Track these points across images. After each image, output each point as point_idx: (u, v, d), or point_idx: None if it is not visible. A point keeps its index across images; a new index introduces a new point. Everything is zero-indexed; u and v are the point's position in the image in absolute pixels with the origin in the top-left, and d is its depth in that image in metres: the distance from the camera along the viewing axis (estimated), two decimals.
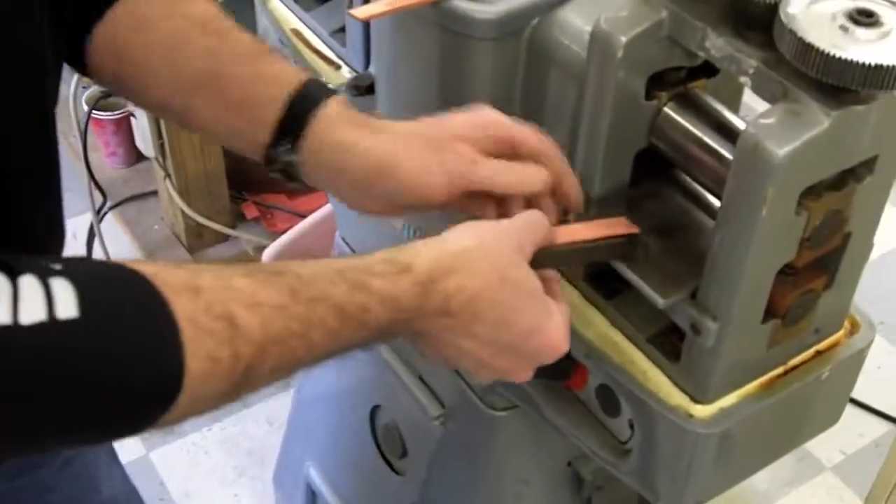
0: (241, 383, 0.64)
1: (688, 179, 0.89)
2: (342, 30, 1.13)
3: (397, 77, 0.99)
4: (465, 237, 0.76)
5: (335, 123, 0.83)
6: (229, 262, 2.16)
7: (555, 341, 0.78)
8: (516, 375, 0.79)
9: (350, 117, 0.83)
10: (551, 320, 0.77)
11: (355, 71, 1.11)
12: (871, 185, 0.78)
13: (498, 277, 0.74)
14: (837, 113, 0.70)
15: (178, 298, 0.61)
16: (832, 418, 0.96)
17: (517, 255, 0.76)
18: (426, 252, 0.74)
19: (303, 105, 0.83)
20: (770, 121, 0.71)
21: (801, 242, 0.77)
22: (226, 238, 2.23)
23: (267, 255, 1.77)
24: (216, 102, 0.85)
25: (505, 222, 0.78)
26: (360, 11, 0.86)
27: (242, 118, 0.84)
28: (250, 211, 2.23)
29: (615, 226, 0.85)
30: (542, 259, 0.79)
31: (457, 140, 0.81)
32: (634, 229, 0.85)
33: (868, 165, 0.77)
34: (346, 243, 1.24)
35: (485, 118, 0.82)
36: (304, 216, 1.84)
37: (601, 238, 0.83)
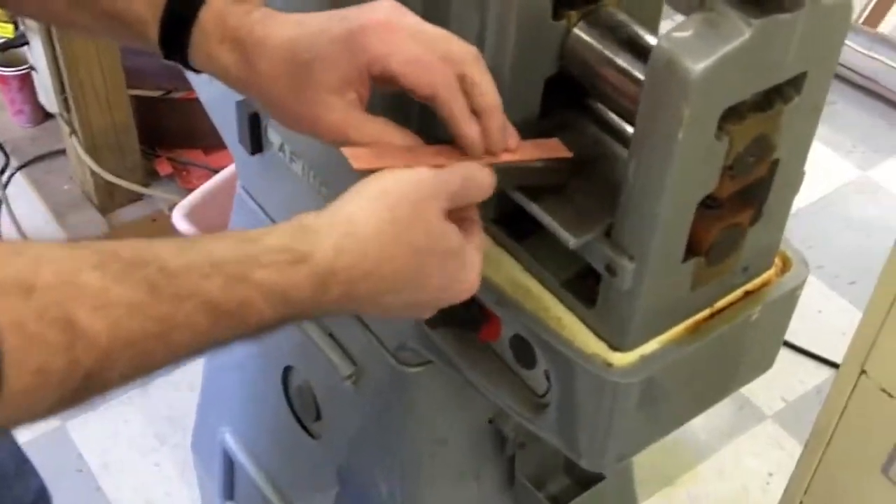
0: (80, 390, 0.55)
1: (603, 108, 0.81)
2: None
3: None
4: (377, 211, 0.68)
5: (210, 42, 0.76)
6: (142, 222, 2.07)
7: (468, 287, 0.73)
8: (421, 315, 0.78)
9: (222, 32, 0.76)
10: (464, 269, 0.72)
11: None
12: (800, 107, 0.71)
13: (411, 253, 0.68)
14: (759, 22, 0.63)
15: (4, 300, 0.52)
16: (766, 363, 0.89)
17: (435, 219, 0.70)
18: (329, 238, 0.66)
19: (176, 25, 0.77)
20: (685, 34, 0.64)
21: (724, 171, 0.70)
22: (139, 197, 2.12)
23: (177, 214, 1.67)
24: (92, 14, 0.79)
25: (429, 178, 0.70)
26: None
27: (122, 34, 0.79)
28: (164, 167, 2.12)
29: (548, 148, 0.77)
30: None
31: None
32: (567, 153, 0.77)
33: (796, 84, 0.70)
34: (249, 193, 1.16)
35: (403, 17, 0.73)
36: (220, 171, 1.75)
37: (533, 160, 0.76)
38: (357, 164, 0.71)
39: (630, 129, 0.78)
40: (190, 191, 1.77)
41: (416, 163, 0.71)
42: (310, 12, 0.75)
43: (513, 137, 0.75)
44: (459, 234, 0.71)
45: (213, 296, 0.60)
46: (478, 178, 0.72)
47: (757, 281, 0.83)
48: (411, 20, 0.73)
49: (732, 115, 0.67)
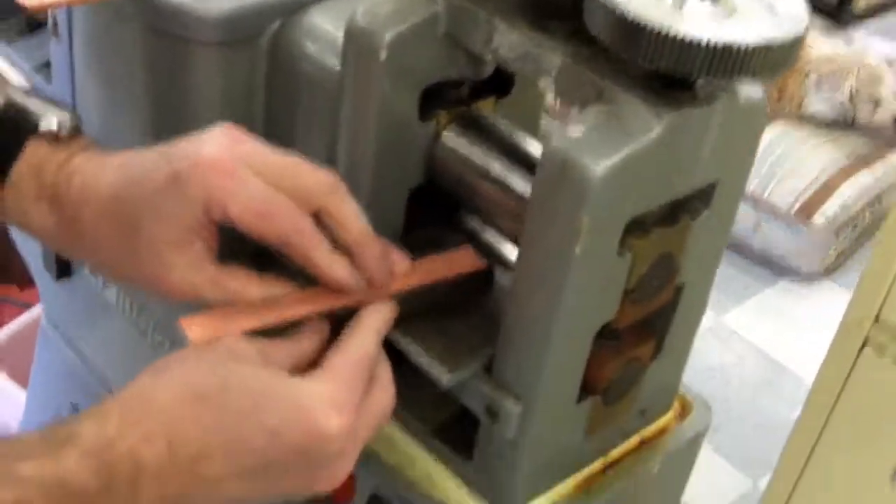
0: None
1: (477, 223, 0.70)
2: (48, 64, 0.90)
3: (105, 105, 0.77)
4: (153, 367, 0.57)
5: (26, 200, 0.64)
6: None
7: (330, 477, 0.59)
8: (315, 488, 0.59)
9: (38, 189, 0.63)
10: (308, 404, 0.56)
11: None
12: (708, 223, 0.61)
13: (194, 396, 0.55)
14: (671, 116, 0.53)
15: None
16: None
17: (228, 356, 0.57)
18: (89, 413, 0.54)
19: None
20: (581, 129, 0.53)
21: (625, 296, 0.59)
22: None
23: None
24: None
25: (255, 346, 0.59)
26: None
27: None
28: None
29: (453, 262, 0.65)
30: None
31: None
32: (480, 264, 0.65)
33: (705, 196, 0.60)
34: (56, 328, 1.00)
35: (240, 147, 0.60)
36: None
37: (433, 282, 0.64)
38: (194, 336, 0.58)
39: (510, 248, 0.68)
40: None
41: (276, 320, 0.59)
42: (134, 147, 0.63)
43: (401, 262, 0.63)
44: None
45: None
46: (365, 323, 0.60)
47: (653, 427, 0.72)
48: (249, 148, 0.60)
49: (636, 228, 0.57)
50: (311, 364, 0.58)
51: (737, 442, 1.88)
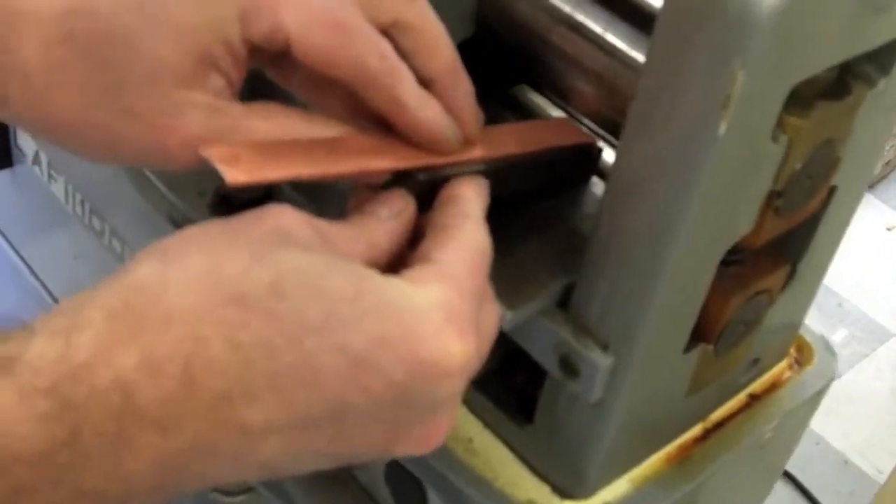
0: None
1: (544, 100, 0.51)
2: None
3: None
4: (157, 249, 0.34)
5: None
6: None
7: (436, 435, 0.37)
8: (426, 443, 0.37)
9: None
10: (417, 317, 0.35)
11: None
12: (882, 98, 0.42)
13: (229, 297, 0.32)
14: None
15: None
16: (761, 494, 0.60)
17: (277, 237, 0.35)
18: (38, 326, 0.32)
19: None
20: None
21: (767, 203, 0.41)
22: None
23: None
24: None
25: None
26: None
27: None
28: None
29: (557, 131, 0.47)
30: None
31: None
32: (587, 138, 0.47)
33: (884, 58, 0.41)
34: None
35: None
36: None
37: (539, 153, 0.45)
38: (232, 178, 0.36)
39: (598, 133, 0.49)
40: None
41: (341, 170, 0.39)
42: None
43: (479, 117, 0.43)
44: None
45: None
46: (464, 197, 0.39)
47: (765, 379, 0.54)
48: None
49: (795, 102, 0.38)
50: (393, 262, 0.38)
51: None
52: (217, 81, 0.39)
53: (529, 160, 0.44)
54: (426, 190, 0.40)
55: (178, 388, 0.31)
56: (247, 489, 0.66)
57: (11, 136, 0.69)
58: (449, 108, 0.41)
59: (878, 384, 1.72)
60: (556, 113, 0.51)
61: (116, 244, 0.65)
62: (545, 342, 0.43)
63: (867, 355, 1.77)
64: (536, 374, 0.46)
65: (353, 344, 0.33)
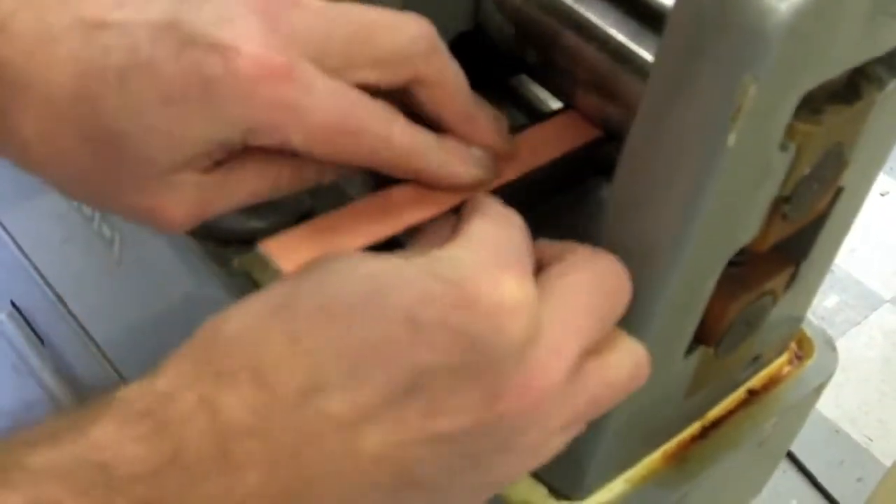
0: None
1: (543, 90, 0.50)
2: None
3: None
4: (213, 316, 0.36)
5: None
6: None
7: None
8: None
9: None
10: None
11: None
12: (892, 99, 0.41)
13: (274, 307, 0.35)
14: None
15: None
16: (754, 488, 0.60)
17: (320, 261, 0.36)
18: (128, 383, 0.34)
19: None
20: None
21: (774, 208, 0.40)
22: None
23: None
24: None
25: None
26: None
27: None
28: None
29: (568, 131, 0.46)
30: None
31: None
32: (596, 131, 0.47)
33: (891, 60, 0.40)
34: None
35: (284, 22, 0.38)
36: None
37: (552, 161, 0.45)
38: (287, 265, 0.38)
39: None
40: None
41: (386, 231, 0.40)
42: None
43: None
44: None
45: None
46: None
47: (764, 374, 0.53)
48: (295, 19, 0.38)
49: (804, 107, 0.37)
50: None
51: None
52: (209, 162, 0.39)
53: (548, 167, 0.44)
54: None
55: (257, 393, 0.32)
56: None
57: None
58: (475, 143, 0.42)
59: (870, 352, 1.72)
60: (555, 104, 0.50)
61: (106, 230, 0.64)
62: None
63: (859, 322, 1.77)
64: None
65: (400, 307, 0.33)
